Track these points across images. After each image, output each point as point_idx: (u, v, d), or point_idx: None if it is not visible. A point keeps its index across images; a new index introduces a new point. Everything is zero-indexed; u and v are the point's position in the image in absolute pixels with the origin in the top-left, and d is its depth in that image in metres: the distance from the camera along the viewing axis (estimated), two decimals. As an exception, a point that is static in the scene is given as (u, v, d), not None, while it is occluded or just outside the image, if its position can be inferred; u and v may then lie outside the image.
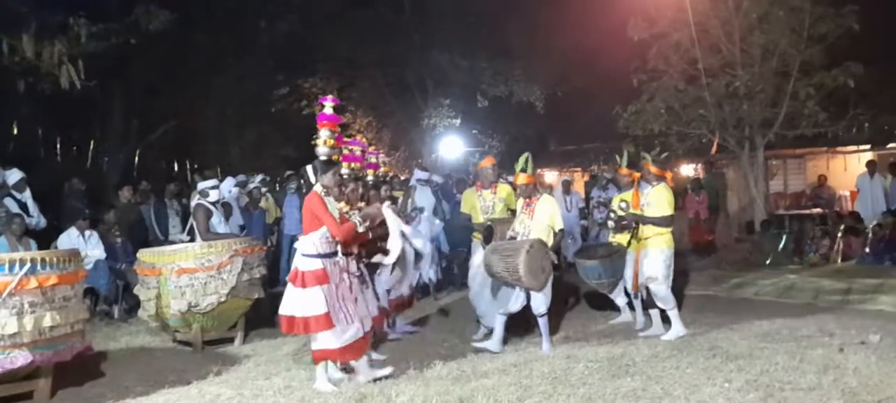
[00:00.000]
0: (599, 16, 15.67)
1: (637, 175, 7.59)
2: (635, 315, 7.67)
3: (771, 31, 13.00)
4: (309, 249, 5.56)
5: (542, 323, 6.74)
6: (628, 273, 7.36)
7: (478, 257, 7.47)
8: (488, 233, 7.03)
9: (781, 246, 12.51)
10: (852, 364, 5.40)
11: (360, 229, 5.79)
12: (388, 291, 7.09)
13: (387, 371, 5.82)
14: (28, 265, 5.34)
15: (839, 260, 11.83)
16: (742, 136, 13.84)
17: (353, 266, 5.94)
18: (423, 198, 10.45)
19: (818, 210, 14.53)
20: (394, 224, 6.04)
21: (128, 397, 5.68)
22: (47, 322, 5.41)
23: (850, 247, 12.02)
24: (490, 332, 7.24)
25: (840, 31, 12.70)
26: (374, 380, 5.62)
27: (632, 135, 13.74)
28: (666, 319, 7.23)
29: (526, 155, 7.05)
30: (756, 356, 5.80)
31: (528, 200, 6.95)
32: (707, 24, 13.33)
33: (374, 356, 6.37)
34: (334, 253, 5.65)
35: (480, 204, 7.68)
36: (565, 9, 17.30)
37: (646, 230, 7.13)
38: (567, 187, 13.45)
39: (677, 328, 7.02)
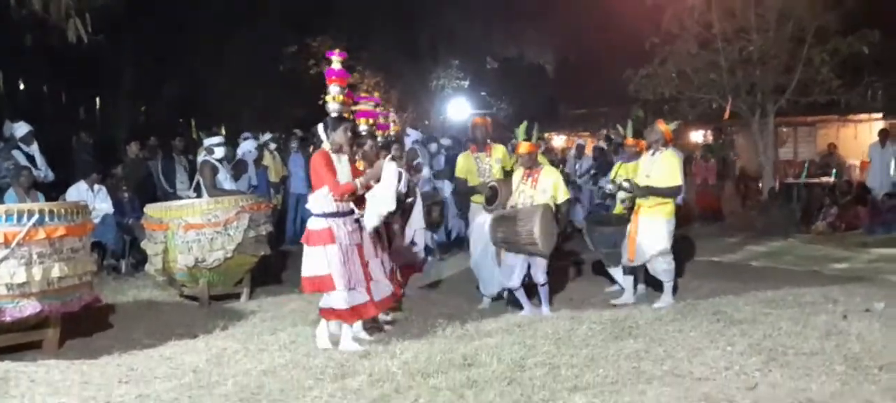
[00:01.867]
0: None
1: (643, 144, 7.43)
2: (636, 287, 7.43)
3: (788, -6, 12.82)
4: (315, 208, 5.52)
5: (543, 291, 6.75)
6: (626, 241, 7.08)
7: (479, 220, 7.42)
8: (492, 194, 6.92)
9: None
10: (856, 330, 5.40)
11: (360, 191, 5.61)
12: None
13: (360, 348, 5.50)
14: (36, 216, 5.37)
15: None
16: (754, 103, 13.72)
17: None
18: (422, 157, 10.39)
19: (827, 178, 14.45)
20: (391, 177, 5.67)
21: (135, 349, 5.74)
22: (56, 272, 5.46)
23: (857, 217, 11.97)
24: (494, 299, 7.28)
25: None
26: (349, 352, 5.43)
27: (642, 99, 13.63)
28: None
29: (526, 123, 6.96)
30: (759, 321, 5.80)
31: (528, 170, 6.83)
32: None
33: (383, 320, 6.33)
34: (344, 213, 5.54)
35: (477, 166, 7.47)
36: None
37: (648, 199, 6.89)
38: (580, 151, 13.43)
39: (669, 298, 6.90)
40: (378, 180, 5.68)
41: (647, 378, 4.57)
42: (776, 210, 12.70)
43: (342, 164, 5.62)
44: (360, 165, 6.10)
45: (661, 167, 6.86)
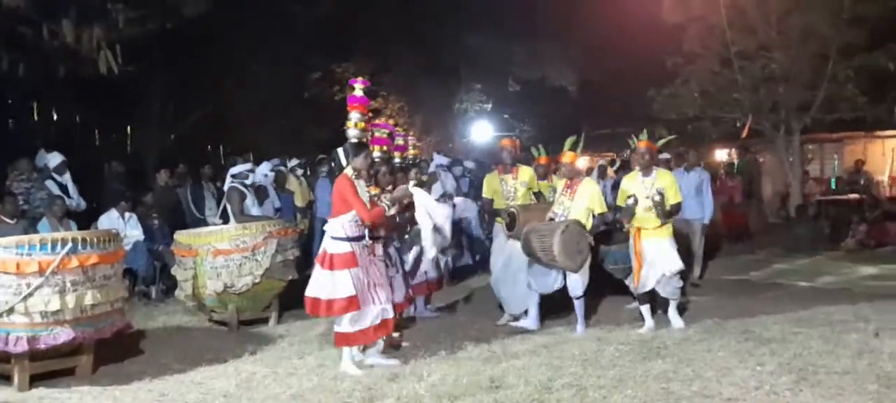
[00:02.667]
0: (633, -2, 15.49)
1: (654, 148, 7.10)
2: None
3: (810, 12, 12.74)
4: (338, 232, 5.57)
5: (579, 305, 6.74)
6: (633, 265, 6.79)
7: (500, 242, 7.44)
8: (512, 220, 6.93)
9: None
10: (888, 348, 5.34)
11: (390, 212, 5.78)
12: (414, 274, 7.10)
13: (394, 362, 5.78)
14: (69, 244, 5.48)
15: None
16: (778, 120, 13.63)
17: (379, 249, 5.91)
18: (447, 184, 10.38)
19: (855, 195, 14.27)
20: (422, 203, 5.98)
21: (166, 374, 5.82)
22: (88, 300, 5.55)
23: (886, 233, 11.82)
24: (513, 318, 7.27)
25: (881, 11, 12.41)
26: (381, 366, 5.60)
27: (665, 118, 13.59)
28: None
29: (574, 138, 7.00)
30: (789, 340, 5.76)
31: (569, 182, 6.85)
32: (744, 5, 13.09)
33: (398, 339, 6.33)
34: (363, 237, 5.62)
35: (502, 188, 7.50)
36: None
37: (653, 219, 6.62)
38: (603, 172, 13.39)
39: (679, 320, 6.71)
40: (401, 203, 5.91)
41: (675, 398, 4.55)
42: (804, 227, 12.56)
43: (362, 190, 5.69)
44: (374, 190, 6.15)
45: (666, 184, 6.64)
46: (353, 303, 5.49)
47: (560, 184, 7.02)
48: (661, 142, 7.00)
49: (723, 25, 13.12)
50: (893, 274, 9.33)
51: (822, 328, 6.14)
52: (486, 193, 7.69)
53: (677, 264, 6.63)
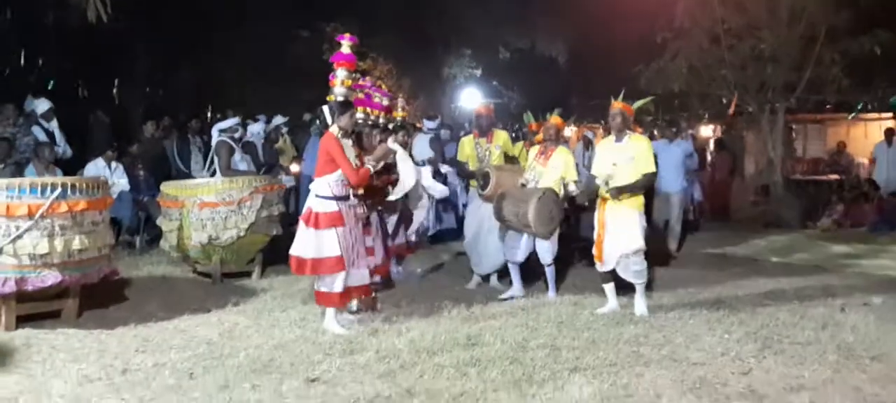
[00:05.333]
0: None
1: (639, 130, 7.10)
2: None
3: (800, -8, 12.80)
4: (324, 191, 5.57)
5: (549, 272, 6.84)
6: (595, 236, 6.24)
7: (474, 206, 7.54)
8: (485, 180, 6.97)
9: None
10: (851, 322, 5.56)
11: (373, 171, 5.76)
12: (394, 236, 7.23)
13: (344, 331, 5.54)
14: (59, 189, 5.55)
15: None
16: (764, 100, 13.75)
17: (363, 210, 5.87)
18: (422, 146, 10.45)
19: (835, 176, 14.50)
20: (404, 159, 6.09)
21: (150, 321, 5.93)
22: (76, 244, 5.64)
23: (862, 214, 12.06)
24: (483, 279, 7.46)
25: (870, -4, 12.49)
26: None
27: (653, 92, 13.64)
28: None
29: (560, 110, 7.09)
30: (758, 311, 5.97)
31: (543, 148, 6.90)
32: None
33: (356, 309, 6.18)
34: (349, 196, 5.64)
35: (477, 152, 7.57)
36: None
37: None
38: (587, 143, 13.52)
39: (643, 305, 6.08)
40: (385, 159, 6.00)
41: (645, 361, 4.73)
42: (783, 206, 12.78)
43: (349, 149, 5.66)
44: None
45: (638, 152, 6.08)
46: (339, 263, 5.49)
47: (533, 150, 7.05)
48: (638, 103, 6.54)
49: (712, 1, 13.12)
50: (865, 253, 9.55)
51: (791, 302, 6.35)
52: (460, 157, 7.78)
53: (637, 243, 6.01)
